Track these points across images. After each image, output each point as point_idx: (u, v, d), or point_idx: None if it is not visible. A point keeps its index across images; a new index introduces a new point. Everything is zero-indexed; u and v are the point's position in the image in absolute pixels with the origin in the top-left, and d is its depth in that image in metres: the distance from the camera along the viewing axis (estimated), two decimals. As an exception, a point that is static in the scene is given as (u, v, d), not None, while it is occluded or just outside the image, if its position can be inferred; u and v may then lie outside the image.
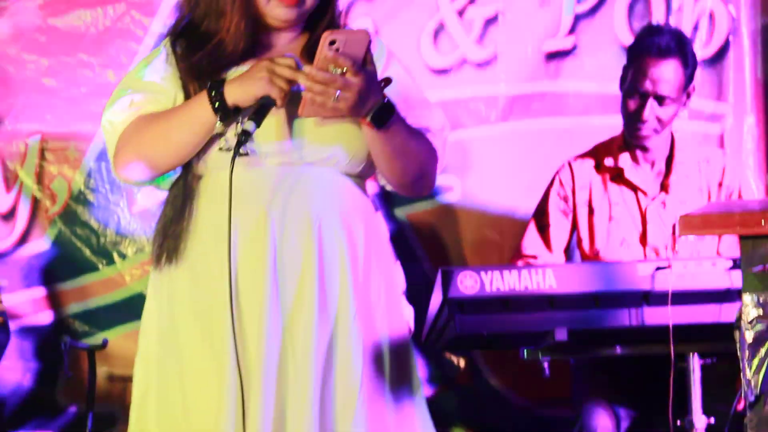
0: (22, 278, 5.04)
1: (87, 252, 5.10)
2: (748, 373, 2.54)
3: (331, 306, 2.87)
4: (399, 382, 2.96)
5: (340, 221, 2.90)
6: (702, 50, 5.14)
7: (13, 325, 4.57)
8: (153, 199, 5.07)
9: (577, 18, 5.19)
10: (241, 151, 2.78)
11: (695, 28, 5.19)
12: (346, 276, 2.89)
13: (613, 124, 4.67)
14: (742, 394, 2.56)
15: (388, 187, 3.07)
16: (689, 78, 4.34)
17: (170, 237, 2.89)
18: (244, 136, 2.76)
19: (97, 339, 4.93)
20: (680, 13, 5.18)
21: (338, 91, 2.72)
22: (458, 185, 5.03)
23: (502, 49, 5.19)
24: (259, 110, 2.78)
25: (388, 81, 2.82)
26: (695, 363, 3.72)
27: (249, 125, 2.76)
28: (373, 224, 3.00)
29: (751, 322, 2.54)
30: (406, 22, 5.10)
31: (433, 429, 3.03)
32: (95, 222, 5.10)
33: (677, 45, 4.32)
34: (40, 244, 5.09)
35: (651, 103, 4.29)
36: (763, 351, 2.54)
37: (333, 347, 2.87)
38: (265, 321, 2.82)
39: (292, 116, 2.86)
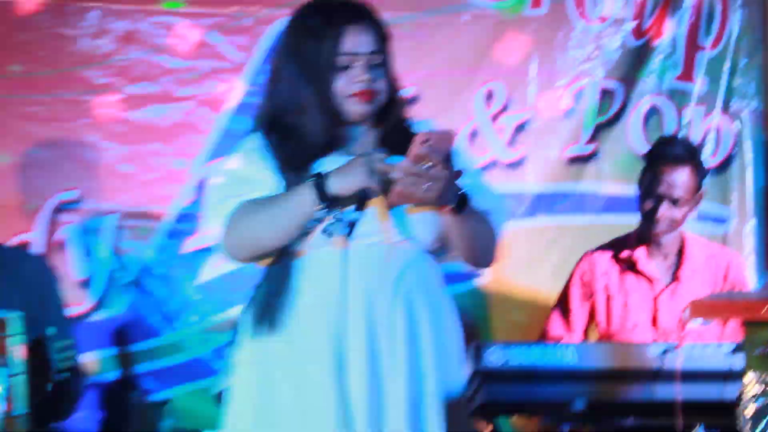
0: (95, 339, 5.03)
1: (154, 319, 5.13)
2: (750, 443, 2.61)
3: (418, 369, 2.95)
4: None
5: (424, 296, 2.99)
6: (709, 160, 5.25)
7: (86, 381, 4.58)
8: (214, 272, 5.14)
9: (598, 128, 5.30)
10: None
11: (703, 140, 5.31)
12: (429, 344, 2.97)
13: (626, 222, 4.78)
14: None
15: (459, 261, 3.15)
16: (699, 183, 4.42)
17: (272, 309, 2.95)
18: (352, 225, 2.91)
19: (161, 396, 4.98)
20: (690, 127, 5.31)
21: (427, 183, 2.84)
22: (489, 271, 4.96)
23: (529, 152, 5.30)
24: (361, 201, 2.92)
25: (459, 173, 2.91)
26: (700, 436, 3.75)
27: (356, 215, 2.92)
28: (446, 296, 3.09)
29: (752, 398, 2.63)
30: (443, 125, 5.14)
31: None
32: (162, 292, 5.14)
33: (689, 154, 4.41)
34: (113, 310, 5.10)
35: (665, 205, 4.38)
36: (763, 423, 2.63)
37: (418, 409, 2.94)
38: (366, 386, 2.91)
39: (383, 204, 2.95)
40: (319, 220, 2.92)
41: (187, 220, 5.17)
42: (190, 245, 5.17)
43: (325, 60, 2.96)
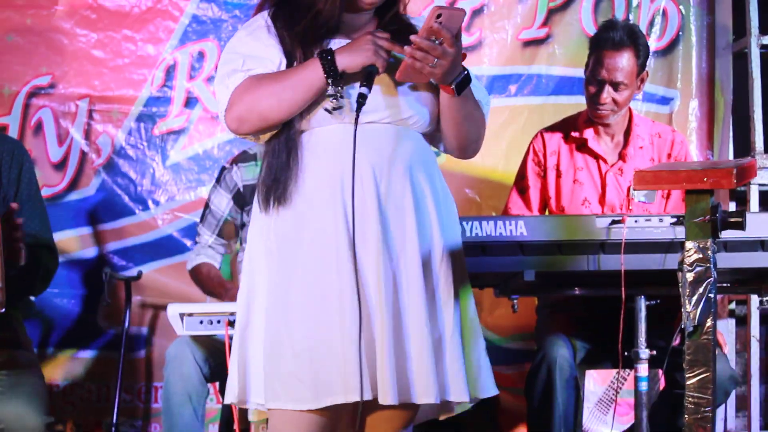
0: (71, 219, 5.01)
1: (126, 198, 5.07)
2: (689, 307, 2.58)
3: (426, 236, 2.88)
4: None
5: (424, 171, 2.93)
6: (656, 43, 5.21)
7: (62, 258, 4.55)
8: (183, 154, 5.08)
9: (551, 12, 5.22)
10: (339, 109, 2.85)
11: (650, 23, 5.24)
12: (434, 214, 2.91)
13: (577, 102, 4.73)
14: (683, 326, 2.59)
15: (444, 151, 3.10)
16: (641, 66, 4.33)
17: (279, 183, 2.87)
18: (362, 99, 2.80)
19: (132, 272, 4.92)
20: (638, 10, 5.23)
21: (436, 59, 2.76)
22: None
23: (485, 36, 5.21)
24: (368, 77, 2.83)
25: (464, 54, 2.85)
26: (642, 304, 3.73)
27: (364, 90, 2.81)
28: (439, 172, 3.02)
29: (692, 265, 2.58)
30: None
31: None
32: (133, 173, 5.08)
33: (630, 38, 4.30)
34: (87, 190, 5.05)
35: (607, 88, 4.29)
36: (701, 289, 2.58)
37: (431, 274, 2.88)
38: (380, 249, 2.82)
39: (385, 83, 2.89)
40: (326, 95, 2.84)
41: (157, 103, 5.10)
42: (159, 128, 5.08)
43: None
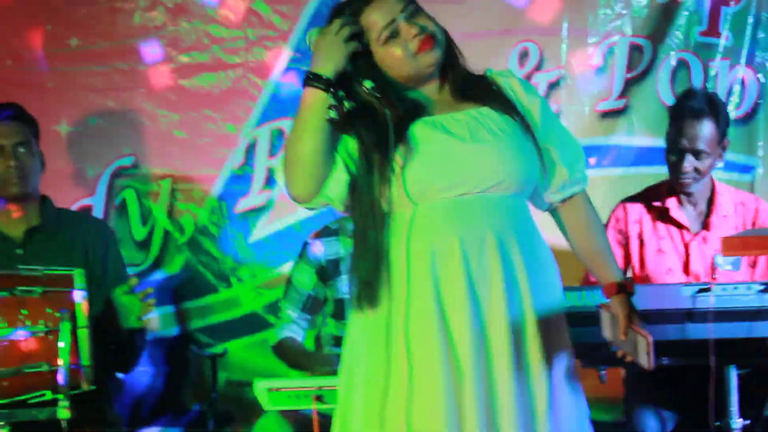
0: (155, 297, 5.08)
1: (209, 276, 5.15)
2: (782, 374, 2.61)
3: (516, 308, 2.82)
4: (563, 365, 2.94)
5: (516, 240, 2.84)
6: (735, 111, 5.21)
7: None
8: (265, 231, 5.16)
9: (628, 83, 5.24)
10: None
11: (729, 92, 5.25)
12: (525, 284, 2.84)
13: (657, 173, 4.73)
14: None
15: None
16: (722, 134, 4.33)
17: (371, 288, 2.82)
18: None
19: (217, 349, 4.99)
20: (716, 79, 5.24)
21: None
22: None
23: (563, 108, 5.24)
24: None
25: None
26: (732, 373, 3.72)
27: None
28: (537, 238, 2.94)
29: None
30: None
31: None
32: (216, 251, 5.16)
33: (710, 106, 4.31)
34: (170, 269, 5.14)
35: (688, 157, 4.30)
36: None
37: (522, 343, 2.83)
38: (470, 330, 2.78)
39: (469, 152, 2.84)
40: (328, 108, 2.76)
41: (238, 182, 5.18)
42: (241, 206, 5.16)
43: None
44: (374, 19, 2.85)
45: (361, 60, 2.83)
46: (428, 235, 2.81)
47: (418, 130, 2.84)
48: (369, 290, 2.83)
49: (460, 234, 2.81)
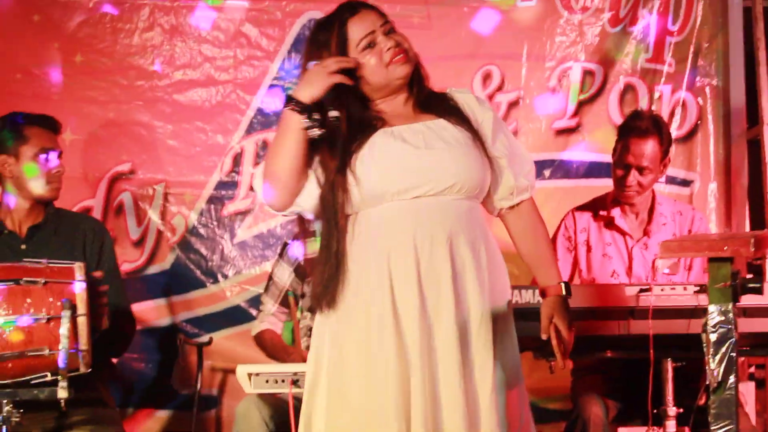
0: (148, 291, 5.09)
1: (198, 273, 5.15)
2: (713, 365, 2.59)
3: (463, 303, 2.82)
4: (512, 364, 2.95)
5: (466, 239, 2.84)
6: (676, 131, 5.25)
7: (140, 327, 4.61)
8: (249, 233, 5.16)
9: (581, 103, 5.28)
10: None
11: (672, 113, 5.29)
12: (473, 282, 2.83)
13: (605, 185, 4.75)
14: (707, 385, 2.59)
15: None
16: (665, 152, 4.35)
17: (328, 292, 2.84)
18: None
19: (203, 339, 4.96)
20: (660, 101, 5.28)
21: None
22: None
23: (521, 126, 5.27)
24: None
25: None
26: (669, 365, 3.75)
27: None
28: (488, 240, 2.93)
29: (714, 326, 2.59)
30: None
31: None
32: (204, 250, 5.16)
33: (655, 127, 4.33)
34: (162, 265, 5.14)
35: (633, 172, 4.31)
36: (724, 348, 2.59)
37: (468, 338, 2.82)
38: (419, 328, 2.77)
39: (426, 156, 2.85)
40: (305, 129, 2.81)
41: (226, 187, 5.19)
42: (228, 210, 5.17)
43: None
44: (356, 29, 2.90)
45: (340, 91, 2.84)
46: (386, 235, 2.83)
47: (378, 139, 2.88)
48: (328, 292, 2.85)
49: (413, 234, 2.82)
